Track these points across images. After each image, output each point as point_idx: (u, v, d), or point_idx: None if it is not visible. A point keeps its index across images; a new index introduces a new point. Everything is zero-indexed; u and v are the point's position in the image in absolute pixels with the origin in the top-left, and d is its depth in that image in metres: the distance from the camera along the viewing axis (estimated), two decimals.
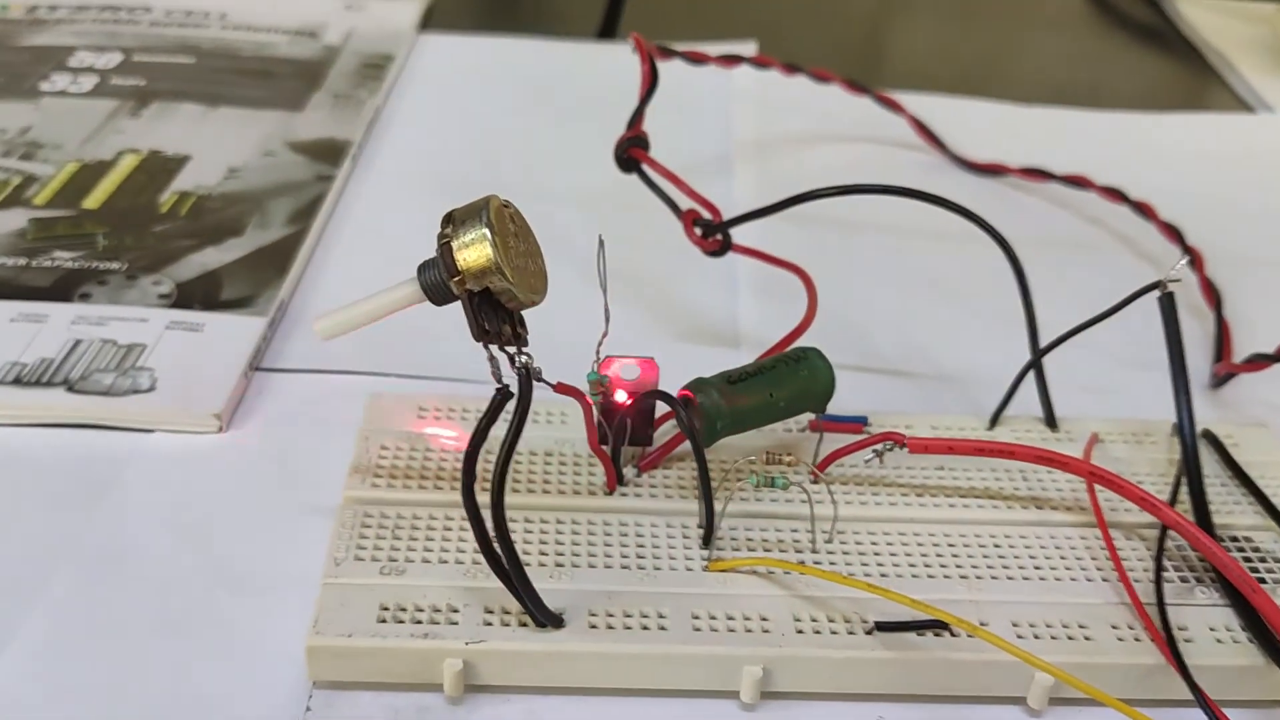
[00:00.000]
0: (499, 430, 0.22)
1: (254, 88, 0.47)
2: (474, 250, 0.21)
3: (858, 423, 0.30)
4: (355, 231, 0.39)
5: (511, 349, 0.22)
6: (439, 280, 0.22)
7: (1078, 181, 0.43)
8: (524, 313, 0.24)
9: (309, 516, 0.28)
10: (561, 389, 0.23)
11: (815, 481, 0.28)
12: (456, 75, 0.51)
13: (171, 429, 0.30)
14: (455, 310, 0.24)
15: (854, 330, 0.35)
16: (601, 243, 0.24)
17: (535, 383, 0.22)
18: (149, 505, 0.28)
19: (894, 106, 0.46)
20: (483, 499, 0.23)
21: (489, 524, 0.22)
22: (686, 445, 0.28)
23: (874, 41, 0.66)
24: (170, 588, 0.26)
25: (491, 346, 0.22)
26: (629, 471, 0.28)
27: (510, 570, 0.22)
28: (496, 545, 0.22)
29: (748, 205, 0.35)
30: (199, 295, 0.35)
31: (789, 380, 0.26)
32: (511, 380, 0.22)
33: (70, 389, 0.31)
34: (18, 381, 0.31)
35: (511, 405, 0.22)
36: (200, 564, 0.26)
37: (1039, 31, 0.66)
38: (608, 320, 0.24)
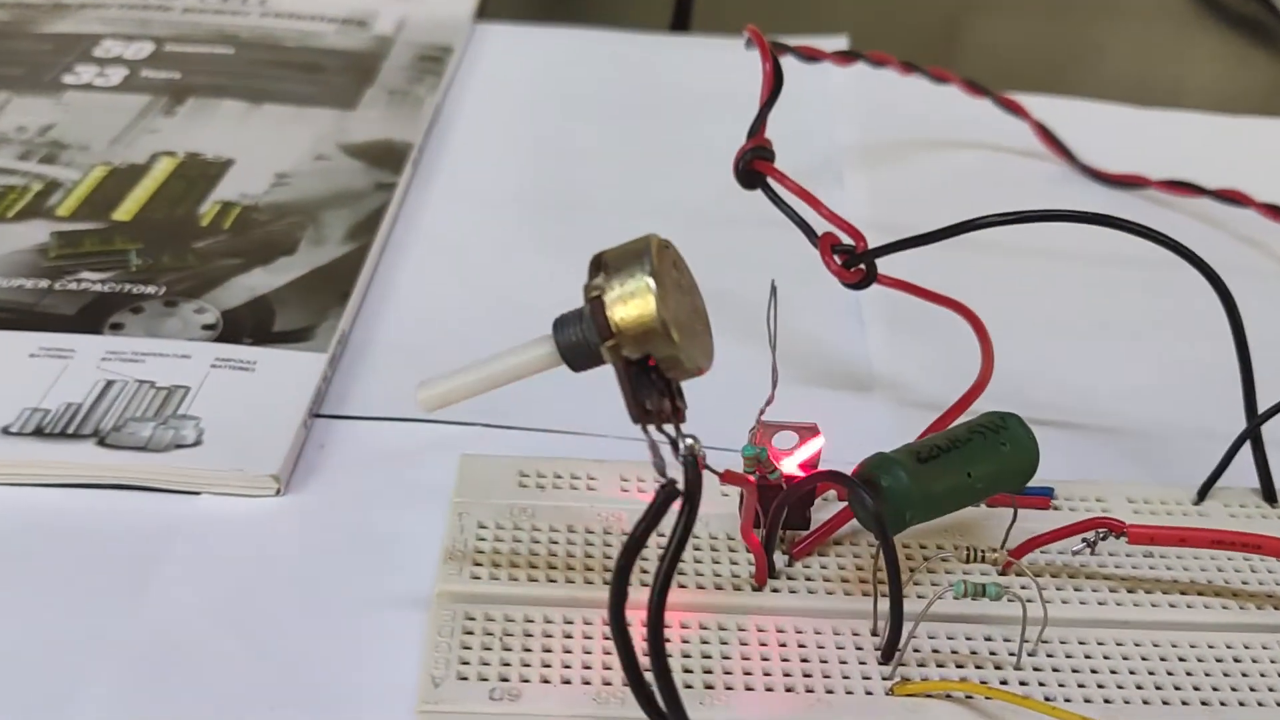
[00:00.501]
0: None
1: (300, 82, 0.42)
2: (634, 306, 0.17)
3: (1044, 495, 0.25)
4: (423, 250, 0.34)
5: (671, 428, 0.18)
6: (584, 342, 0.17)
7: (1232, 197, 0.38)
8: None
9: (392, 608, 0.23)
10: (730, 478, 0.19)
11: (1003, 573, 0.23)
12: (521, 70, 0.46)
13: (221, 490, 0.26)
14: None
15: (1013, 376, 0.29)
16: (774, 290, 0.19)
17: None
18: (199, 589, 0.23)
19: (1016, 110, 0.41)
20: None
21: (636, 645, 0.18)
22: (847, 526, 0.24)
23: (956, 34, 0.61)
24: (228, 704, 0.21)
25: (650, 428, 0.17)
26: (779, 559, 0.23)
27: (668, 708, 0.18)
28: (651, 680, 0.18)
29: (861, 219, 0.30)
30: (248, 326, 0.30)
31: (988, 456, 0.21)
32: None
33: (102, 442, 0.26)
34: (39, 432, 0.26)
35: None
36: (263, 669, 0.21)
37: (1134, 25, 0.61)
38: (775, 384, 0.20)
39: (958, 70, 0.41)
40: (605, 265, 0.17)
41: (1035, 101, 0.42)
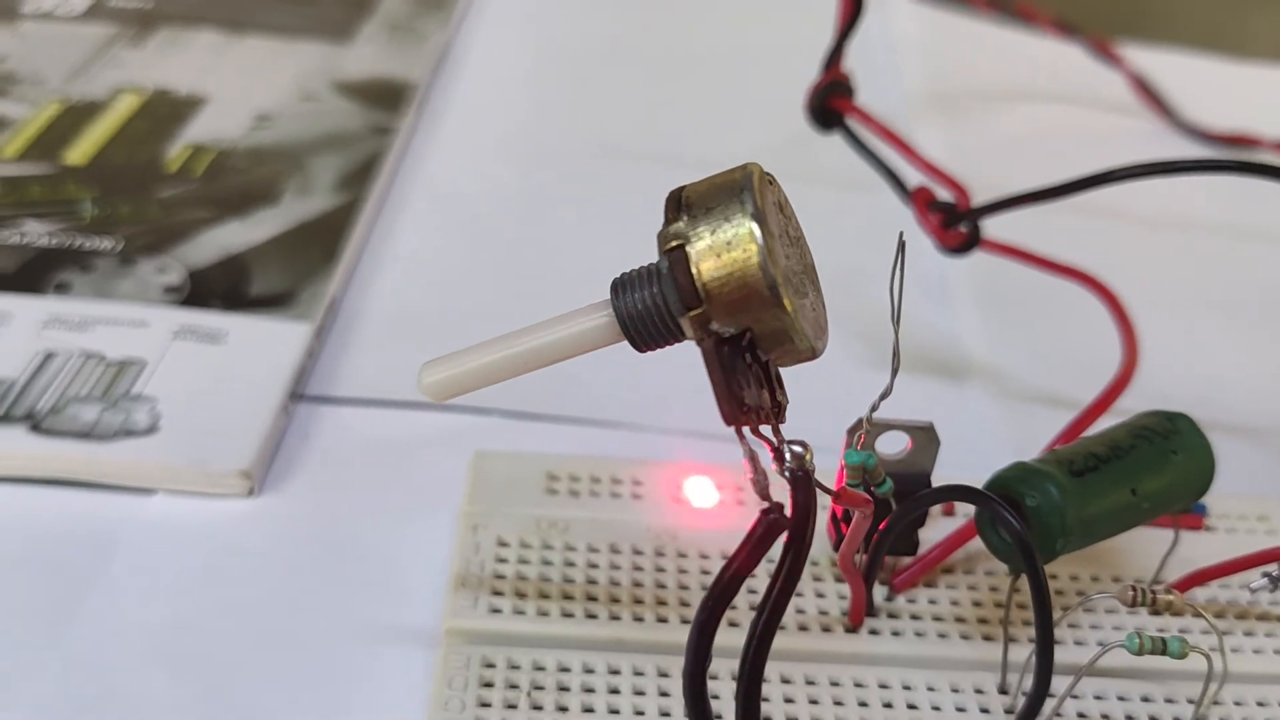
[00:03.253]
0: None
1: (288, 12, 0.37)
2: (731, 261, 0.12)
3: (1196, 514, 0.21)
4: (429, 203, 0.29)
5: (770, 431, 0.13)
6: (657, 310, 0.13)
7: None
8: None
9: (389, 646, 0.18)
10: (848, 499, 0.14)
11: (1155, 611, 0.19)
12: (542, 4, 0.42)
13: (179, 489, 0.21)
14: None
15: (1147, 367, 0.24)
16: (902, 245, 0.14)
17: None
18: (143, 614, 0.18)
19: (1111, 58, 0.36)
20: None
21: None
22: (960, 551, 0.19)
23: None
24: None
25: (746, 430, 0.13)
26: (877, 592, 0.18)
27: None
28: None
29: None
30: (219, 289, 0.25)
31: (1157, 467, 0.17)
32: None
33: (36, 427, 0.21)
34: None
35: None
36: None
37: None
38: (895, 372, 0.15)
39: (1046, 8, 0.37)
40: (689, 204, 0.12)
41: (1128, 52, 0.38)
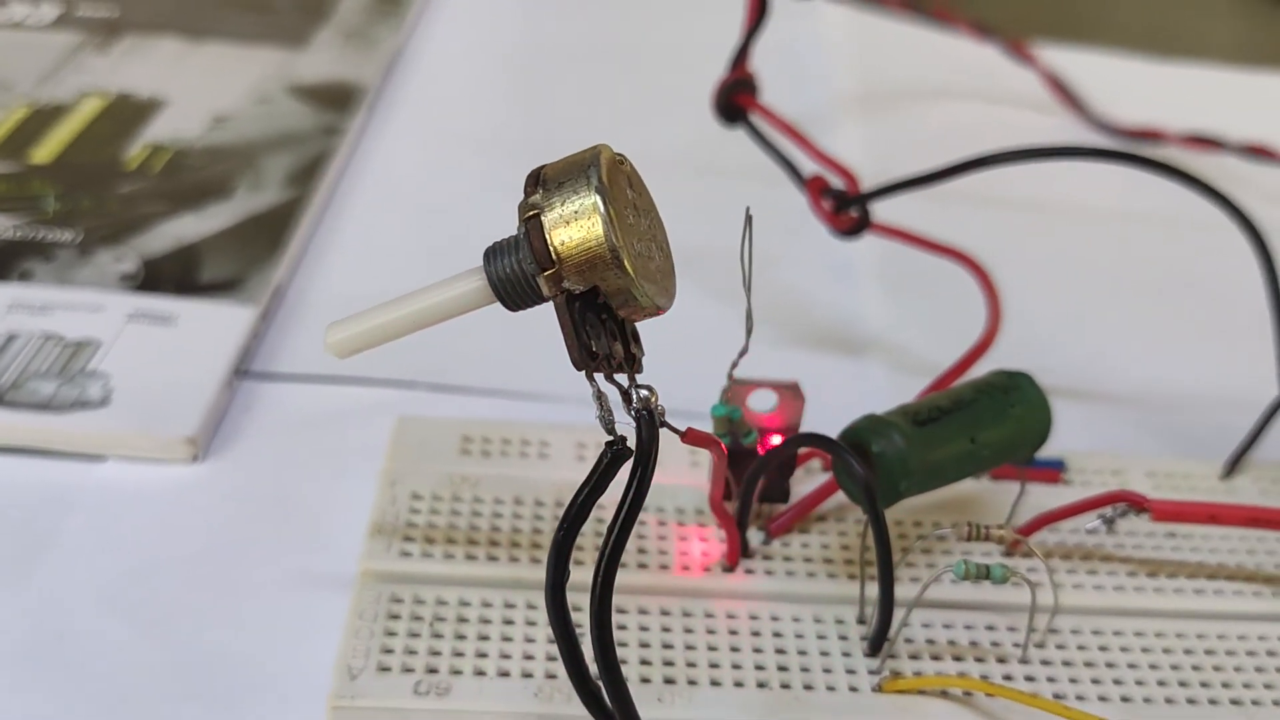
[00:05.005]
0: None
1: (248, 20, 0.39)
2: (579, 228, 0.14)
3: (1054, 468, 0.22)
4: (370, 198, 0.31)
5: (623, 378, 0.15)
6: (519, 274, 0.15)
7: (1258, 152, 0.36)
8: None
9: (314, 589, 0.20)
10: (693, 439, 0.16)
11: (1009, 554, 0.21)
12: (490, 10, 0.43)
13: (129, 456, 0.23)
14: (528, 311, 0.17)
15: (1022, 339, 0.27)
16: (749, 219, 0.16)
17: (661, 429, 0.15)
18: (95, 567, 0.20)
19: (1025, 57, 0.38)
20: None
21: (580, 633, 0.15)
22: (833, 501, 0.21)
23: None
24: (124, 700, 0.18)
25: (598, 376, 0.15)
26: (754, 536, 0.20)
27: (615, 708, 0.15)
28: (596, 672, 0.15)
29: (858, 172, 0.27)
30: (171, 276, 0.27)
31: (995, 419, 0.18)
32: (620, 424, 0.15)
33: None
34: None
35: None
36: (164, 660, 0.19)
37: None
38: (749, 332, 0.17)
39: (963, 10, 0.39)
40: (545, 180, 0.14)
41: (1044, 52, 0.40)
